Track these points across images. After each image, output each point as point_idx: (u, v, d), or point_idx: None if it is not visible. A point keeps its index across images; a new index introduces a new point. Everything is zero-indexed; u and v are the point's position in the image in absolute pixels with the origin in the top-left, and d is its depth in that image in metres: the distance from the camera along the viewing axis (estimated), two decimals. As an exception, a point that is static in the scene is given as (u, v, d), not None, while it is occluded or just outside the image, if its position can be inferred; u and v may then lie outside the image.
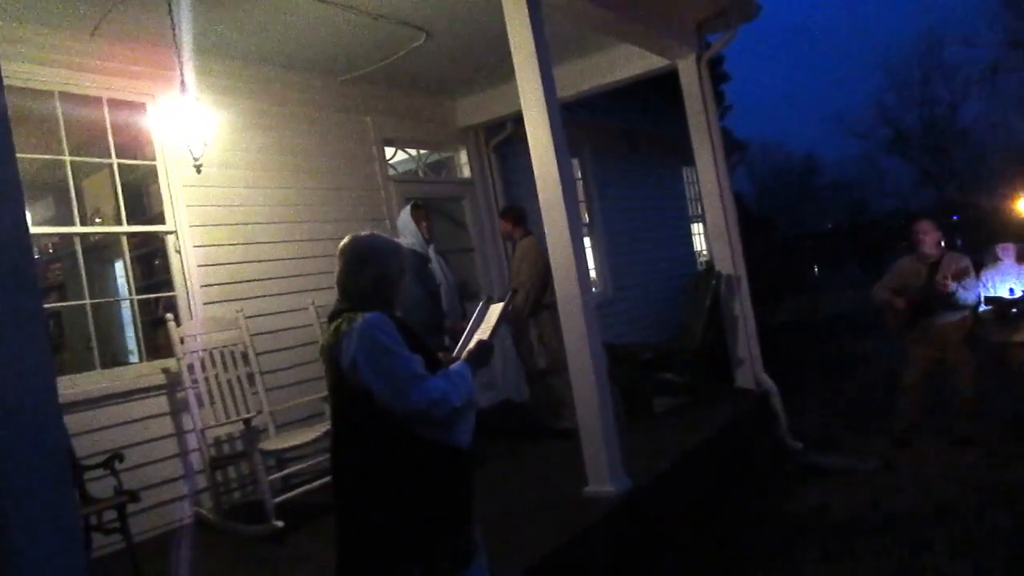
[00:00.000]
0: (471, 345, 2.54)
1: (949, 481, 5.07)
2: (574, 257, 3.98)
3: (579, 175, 9.11)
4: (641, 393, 6.11)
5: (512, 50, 4.08)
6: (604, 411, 4.01)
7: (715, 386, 6.20)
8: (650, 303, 9.62)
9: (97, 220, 5.43)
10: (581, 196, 9.05)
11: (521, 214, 5.93)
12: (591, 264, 9.03)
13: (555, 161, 4.00)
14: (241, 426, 4.27)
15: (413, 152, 7.05)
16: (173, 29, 3.99)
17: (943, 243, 5.80)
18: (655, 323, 9.37)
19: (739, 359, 6.16)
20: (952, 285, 5.36)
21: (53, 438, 1.80)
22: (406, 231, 5.14)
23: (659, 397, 6.14)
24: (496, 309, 2.62)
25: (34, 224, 4.89)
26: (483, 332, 2.57)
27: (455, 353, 2.59)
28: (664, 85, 7.56)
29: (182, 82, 3.93)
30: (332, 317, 2.39)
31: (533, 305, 5.62)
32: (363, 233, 2.45)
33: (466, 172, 7.46)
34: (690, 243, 11.40)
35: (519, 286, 5.57)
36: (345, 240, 2.41)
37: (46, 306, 4.84)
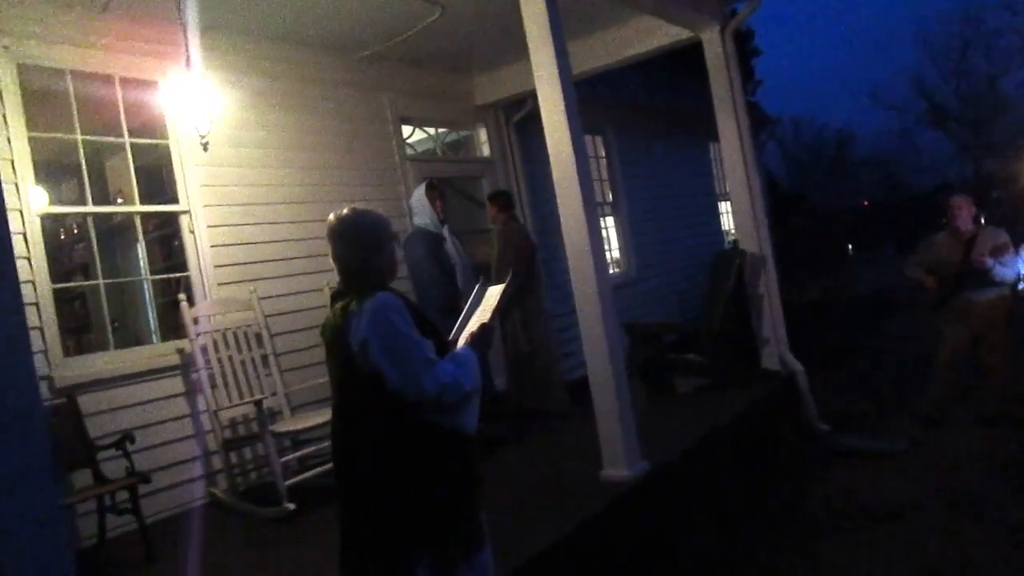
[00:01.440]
0: (472, 328, 2.46)
1: (982, 464, 4.90)
2: (588, 237, 3.87)
3: (603, 153, 8.93)
4: (663, 374, 6.00)
5: (525, 25, 3.96)
6: (620, 394, 3.91)
7: (739, 367, 6.05)
8: (675, 282, 9.45)
9: (119, 200, 5.43)
10: (604, 174, 8.89)
11: (509, 199, 5.98)
12: (614, 243, 8.89)
13: (569, 139, 3.88)
14: (253, 407, 4.25)
15: (431, 131, 6.94)
16: (178, 4, 3.93)
17: (980, 218, 5.58)
18: (680, 302, 9.20)
19: (764, 339, 6.00)
20: (989, 261, 5.15)
21: (36, 431, 1.73)
22: (421, 210, 5.06)
23: (681, 378, 6.01)
24: (496, 291, 2.53)
25: (51, 204, 4.91)
26: (483, 315, 2.48)
27: (452, 337, 2.52)
28: (690, 58, 7.34)
29: (187, 58, 3.86)
30: (336, 297, 2.33)
31: (518, 290, 5.60)
32: (358, 208, 2.36)
33: (485, 151, 7.34)
34: (718, 221, 11.17)
35: (509, 270, 5.55)
36: (337, 218, 2.32)
37: (67, 286, 4.85)
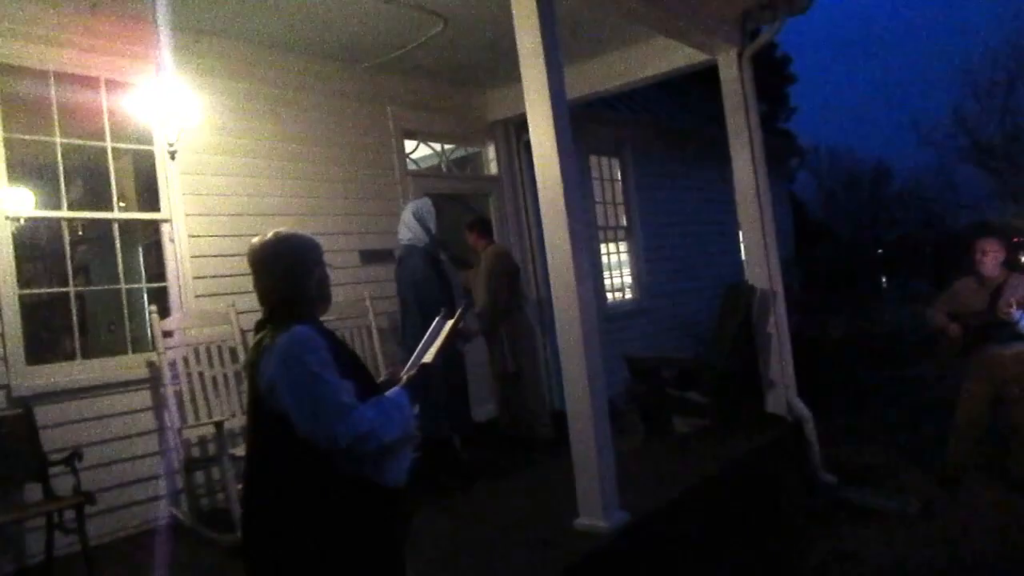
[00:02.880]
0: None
1: (1001, 533, 4.51)
2: (574, 267, 3.61)
3: (618, 175, 8.69)
4: (661, 412, 5.70)
5: (517, 39, 3.76)
6: (599, 437, 3.63)
7: (743, 410, 5.73)
8: (689, 313, 9.12)
9: (122, 204, 5.31)
10: (619, 197, 8.64)
11: (488, 226, 5.92)
12: (626, 269, 8.62)
13: (558, 161, 3.65)
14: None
15: (437, 146, 6.75)
16: (153, 4, 3.77)
17: (1009, 264, 5.19)
18: (692, 335, 8.87)
19: (770, 381, 5.67)
20: (1016, 313, 4.77)
21: None
22: (427, 223, 4.83)
23: (680, 417, 5.70)
24: (447, 327, 2.30)
25: (36, 207, 4.78)
26: (431, 351, 2.25)
27: (404, 372, 2.29)
28: (715, 80, 7.09)
29: (158, 62, 3.70)
30: (258, 328, 2.12)
31: (503, 310, 5.54)
32: (282, 232, 2.16)
33: (493, 168, 7.13)
34: (737, 251, 10.80)
35: (490, 294, 5.51)
36: (259, 242, 2.12)
37: (35, 292, 4.67)
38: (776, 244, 5.69)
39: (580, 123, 7.40)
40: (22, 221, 4.19)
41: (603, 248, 8.26)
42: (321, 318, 2.18)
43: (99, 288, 4.80)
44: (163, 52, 4.43)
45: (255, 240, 2.13)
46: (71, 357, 4.21)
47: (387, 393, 2.07)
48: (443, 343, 2.26)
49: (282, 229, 2.16)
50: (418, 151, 6.57)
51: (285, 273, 2.08)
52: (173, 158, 3.86)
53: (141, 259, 4.87)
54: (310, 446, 1.88)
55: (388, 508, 2.01)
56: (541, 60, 3.66)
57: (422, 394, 2.14)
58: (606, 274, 8.23)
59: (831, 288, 14.28)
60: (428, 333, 2.40)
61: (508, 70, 6.32)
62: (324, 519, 1.91)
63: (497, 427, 5.81)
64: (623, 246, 8.64)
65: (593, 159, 8.26)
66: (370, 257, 5.69)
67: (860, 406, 7.82)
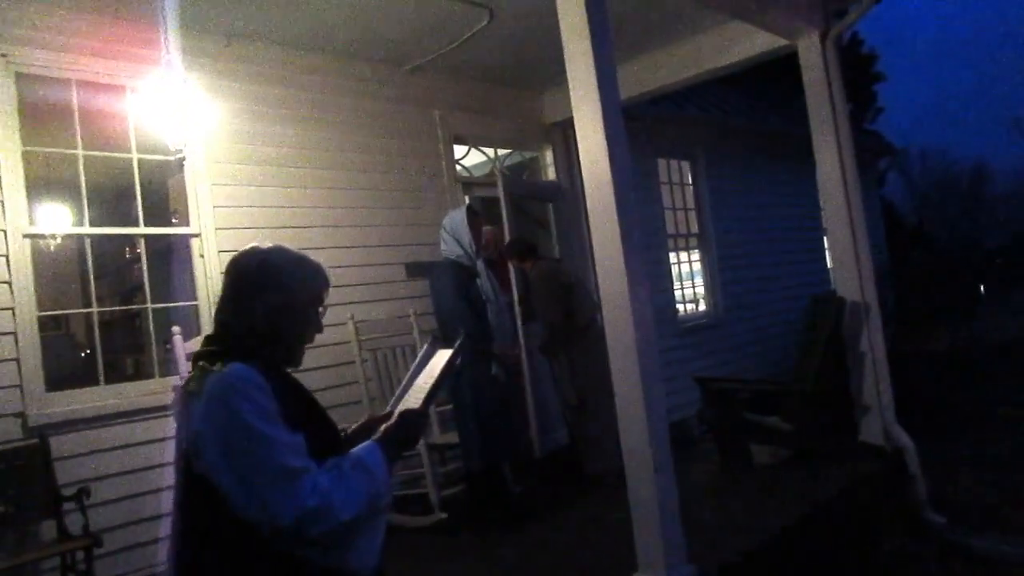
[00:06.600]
0: (404, 409, 1.77)
1: None
2: (627, 281, 3.11)
3: (689, 179, 8.09)
4: (737, 439, 5.09)
5: (560, 19, 3.32)
6: (662, 479, 3.10)
7: (832, 438, 5.05)
8: (767, 328, 8.40)
9: (174, 221, 5.14)
10: (691, 203, 8.04)
11: (526, 248, 5.30)
12: (699, 280, 8.00)
13: (608, 159, 3.15)
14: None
15: (490, 152, 6.35)
16: (181, 7, 3.49)
17: None
18: (772, 352, 8.16)
19: (864, 405, 4.97)
20: None
21: None
22: (459, 236, 4.42)
23: (761, 446, 5.08)
24: (442, 358, 1.84)
25: (74, 224, 4.62)
26: (415, 395, 1.78)
27: (387, 410, 1.83)
28: (792, 75, 6.45)
29: (187, 68, 3.40)
30: (195, 362, 1.69)
31: (559, 337, 5.09)
32: (264, 246, 1.75)
33: (551, 174, 6.67)
34: (823, 260, 10.00)
35: (543, 318, 5.15)
36: (240, 252, 1.73)
37: (55, 313, 4.48)
38: (868, 250, 5.00)
39: (646, 123, 6.89)
40: (42, 239, 3.99)
41: (673, 257, 7.67)
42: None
43: (124, 308, 4.55)
44: (191, 58, 4.19)
45: (239, 252, 1.74)
46: (93, 382, 3.96)
47: (354, 450, 1.59)
48: (437, 382, 1.79)
49: (274, 244, 1.75)
50: (469, 157, 6.19)
51: (241, 295, 1.66)
52: (201, 169, 3.58)
53: (169, 277, 4.61)
54: (246, 523, 1.44)
55: None
56: (586, 42, 3.19)
57: (402, 450, 1.69)
58: (676, 285, 7.64)
59: (929, 299, 13.17)
60: (413, 366, 1.93)
61: (564, 69, 5.89)
62: None
63: (565, 456, 5.31)
64: (695, 254, 8.03)
65: (661, 162, 7.70)
66: (416, 270, 5.31)
67: (971, 432, 6.93)
